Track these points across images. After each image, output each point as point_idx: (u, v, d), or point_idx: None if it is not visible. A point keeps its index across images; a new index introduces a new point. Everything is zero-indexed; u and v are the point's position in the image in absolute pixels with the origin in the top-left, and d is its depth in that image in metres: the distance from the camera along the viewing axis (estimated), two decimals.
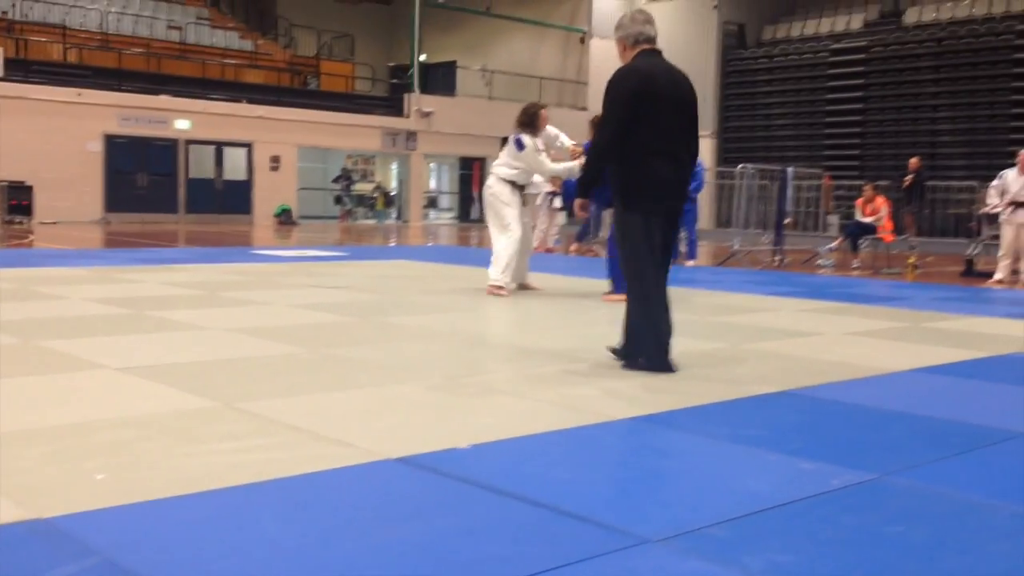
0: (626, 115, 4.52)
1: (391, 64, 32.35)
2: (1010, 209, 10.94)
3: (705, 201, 25.07)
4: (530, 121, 7.96)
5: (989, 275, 11.36)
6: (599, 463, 3.10)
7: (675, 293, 7.51)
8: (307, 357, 4.84)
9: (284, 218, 23.59)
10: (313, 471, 2.85)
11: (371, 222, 26.89)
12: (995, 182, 11.35)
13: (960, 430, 3.64)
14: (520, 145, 7.85)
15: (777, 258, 13.78)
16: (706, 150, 27.48)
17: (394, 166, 29.04)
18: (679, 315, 6.98)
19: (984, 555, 2.35)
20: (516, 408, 3.79)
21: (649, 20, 4.74)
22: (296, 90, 26.79)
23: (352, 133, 25.53)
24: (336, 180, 27.54)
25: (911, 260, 12.28)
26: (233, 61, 26.02)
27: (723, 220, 23.74)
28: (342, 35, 30.94)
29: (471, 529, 2.44)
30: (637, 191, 4.56)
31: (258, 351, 4.94)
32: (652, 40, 4.69)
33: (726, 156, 26.85)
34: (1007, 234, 11.08)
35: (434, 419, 3.59)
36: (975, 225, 14.25)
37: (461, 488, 2.76)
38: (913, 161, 18.44)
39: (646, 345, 4.58)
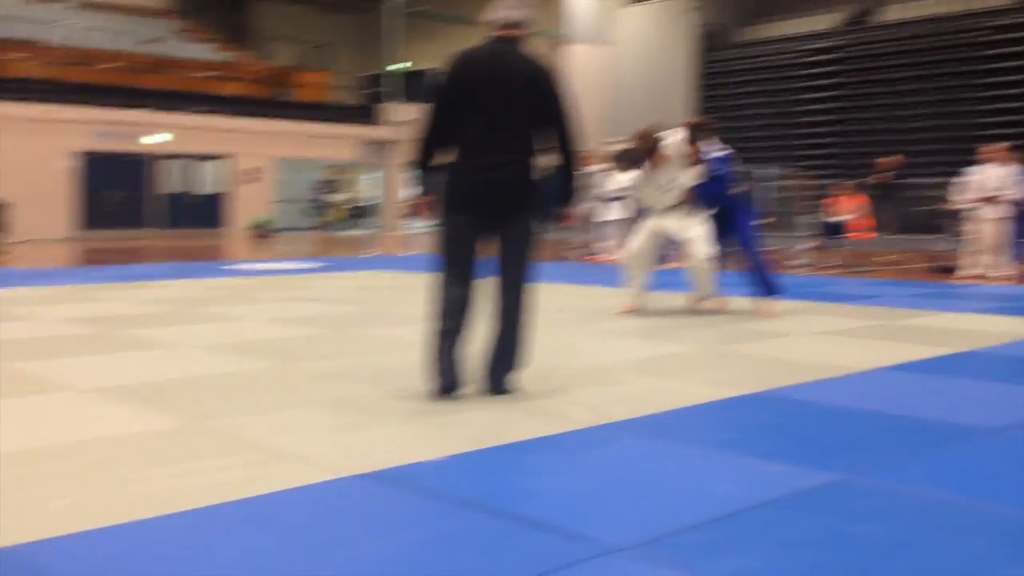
0: (441, 105, 4.09)
1: (367, 74, 32.30)
2: (980, 204, 11.03)
3: None
4: None
5: (960, 270, 11.45)
6: (569, 472, 3.11)
7: (651, 300, 7.47)
8: (279, 372, 4.82)
9: (261, 230, 23.50)
10: (279, 490, 2.83)
11: (350, 233, 26.82)
12: (964, 178, 11.45)
13: (926, 427, 3.67)
14: None
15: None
16: None
17: (371, 176, 28.99)
18: (652, 319, 6.99)
19: (946, 552, 2.37)
20: (486, 419, 3.78)
21: (517, 4, 4.18)
22: (273, 102, 26.72)
23: (329, 144, 25.50)
24: (317, 191, 27.45)
25: (883, 257, 12.36)
26: (210, 73, 25.92)
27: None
28: (319, 45, 30.87)
29: (437, 544, 2.44)
30: (448, 189, 4.12)
31: (229, 368, 4.92)
32: (514, 26, 4.14)
33: None
34: (976, 229, 11.17)
35: (404, 432, 3.59)
36: (944, 221, 14.37)
37: (428, 502, 2.76)
38: (888, 160, 18.54)
39: (432, 364, 4.07)
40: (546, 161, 4.16)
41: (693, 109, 28.26)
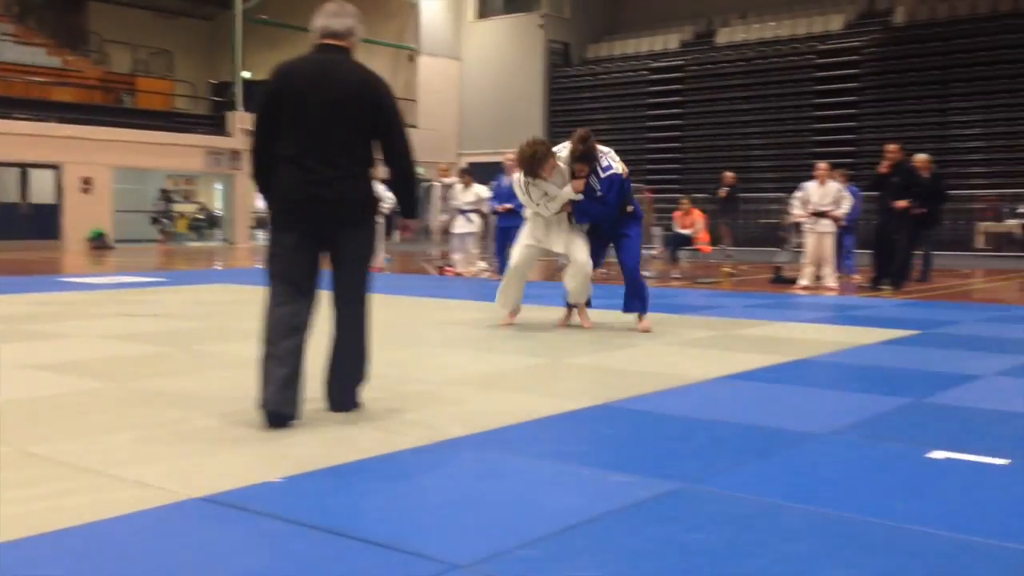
0: (263, 118, 3.96)
1: (213, 81, 31.40)
2: (812, 219, 11.62)
3: None
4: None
5: (796, 281, 12.02)
6: (409, 490, 3.08)
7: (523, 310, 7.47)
8: (113, 393, 4.60)
9: (98, 242, 22.46)
10: (111, 516, 2.70)
11: (194, 244, 25.98)
12: (798, 193, 12.04)
13: (761, 434, 3.82)
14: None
15: (601, 271, 14.11)
16: None
17: (218, 186, 28.18)
18: (506, 331, 7.03)
19: (776, 557, 2.46)
20: (326, 437, 3.70)
21: (339, 12, 4.01)
22: (110, 108, 25.61)
23: (172, 153, 24.59)
24: (161, 201, 26.49)
25: (726, 269, 12.85)
26: (40, 78, 24.63)
27: None
28: (160, 51, 29.83)
29: (276, 567, 2.37)
30: (273, 203, 3.98)
31: (59, 388, 4.66)
32: (336, 35, 3.98)
33: None
34: (810, 242, 11.77)
35: (242, 454, 3.47)
36: (783, 234, 15.08)
37: (270, 525, 2.68)
38: (728, 175, 19.33)
39: (261, 388, 3.84)
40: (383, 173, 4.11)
41: (542, 124, 28.75)
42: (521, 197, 7.29)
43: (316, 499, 2.93)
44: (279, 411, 3.75)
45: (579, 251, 7.17)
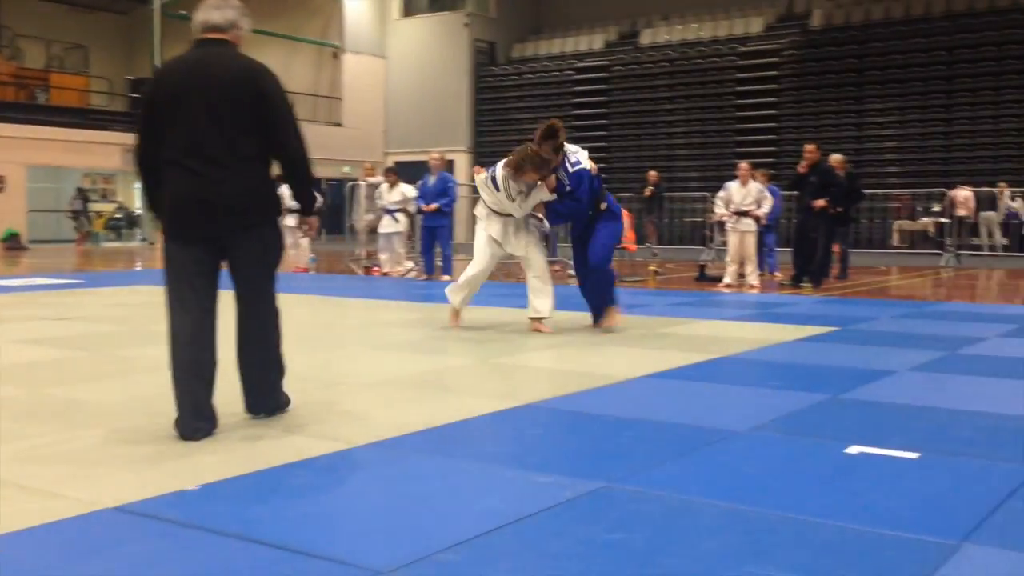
0: (143, 122, 3.79)
1: (131, 77, 30.66)
2: (734, 218, 11.82)
3: (462, 216, 25.53)
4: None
5: (719, 279, 12.22)
6: (332, 495, 3.04)
7: (430, 311, 7.55)
8: (25, 400, 4.46)
9: (11, 243, 21.79)
10: (19, 528, 2.61)
11: (112, 245, 25.35)
12: (721, 193, 12.23)
13: (682, 432, 3.86)
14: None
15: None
16: (461, 165, 27.99)
17: (138, 185, 27.53)
18: (432, 331, 7.01)
19: (696, 554, 2.49)
20: (250, 442, 3.65)
21: (220, 5, 3.80)
22: (23, 105, 24.84)
23: (89, 150, 23.97)
24: (78, 201, 25.78)
25: (652, 267, 13.00)
26: None
27: None
28: (75, 46, 29.04)
29: None
30: (161, 210, 3.78)
31: None
32: (217, 28, 3.78)
33: None
34: (732, 241, 11.97)
35: (160, 459, 3.40)
36: (708, 233, 15.33)
37: (186, 534, 2.62)
38: (652, 174, 19.58)
39: (175, 398, 3.72)
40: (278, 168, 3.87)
41: (468, 123, 28.75)
42: (492, 195, 7.01)
43: (234, 507, 2.88)
44: (193, 437, 3.61)
45: (537, 255, 7.09)
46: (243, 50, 3.87)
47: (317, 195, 4.09)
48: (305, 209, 4.09)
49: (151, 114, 3.74)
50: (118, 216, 27.40)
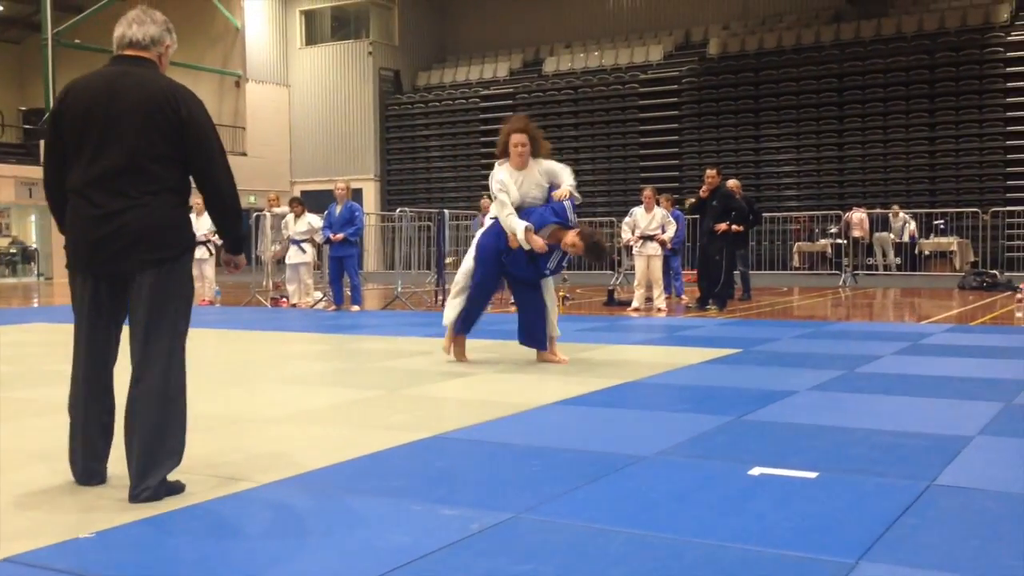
0: (49, 145, 3.49)
1: (23, 108, 29.72)
2: (640, 242, 12.01)
3: (372, 245, 25.39)
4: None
5: (628, 304, 12.38)
6: (235, 537, 2.97)
7: (343, 342, 7.43)
8: None
9: None
10: None
11: (7, 281, 24.44)
12: (627, 218, 12.42)
13: (590, 459, 3.89)
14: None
15: (440, 298, 14.15)
16: (370, 194, 27.85)
17: (33, 218, 26.64)
18: (342, 363, 6.90)
19: None
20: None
21: (140, 19, 3.48)
22: None
23: None
24: None
25: (562, 293, 13.09)
26: None
27: (390, 263, 24.11)
28: None
29: None
30: (66, 241, 3.48)
31: None
32: (135, 44, 3.45)
33: (390, 199, 27.37)
34: (639, 265, 12.15)
35: (55, 507, 3.27)
36: (616, 257, 15.53)
37: None
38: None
39: (71, 444, 3.49)
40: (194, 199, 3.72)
41: (376, 150, 28.66)
42: (503, 191, 6.76)
43: (131, 554, 2.78)
44: (87, 483, 3.45)
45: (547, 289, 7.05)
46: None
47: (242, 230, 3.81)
48: (233, 246, 3.69)
49: (56, 137, 3.44)
50: (12, 251, 26.45)
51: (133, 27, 3.46)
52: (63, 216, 3.48)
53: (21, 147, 26.20)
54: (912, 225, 20.12)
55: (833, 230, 20.70)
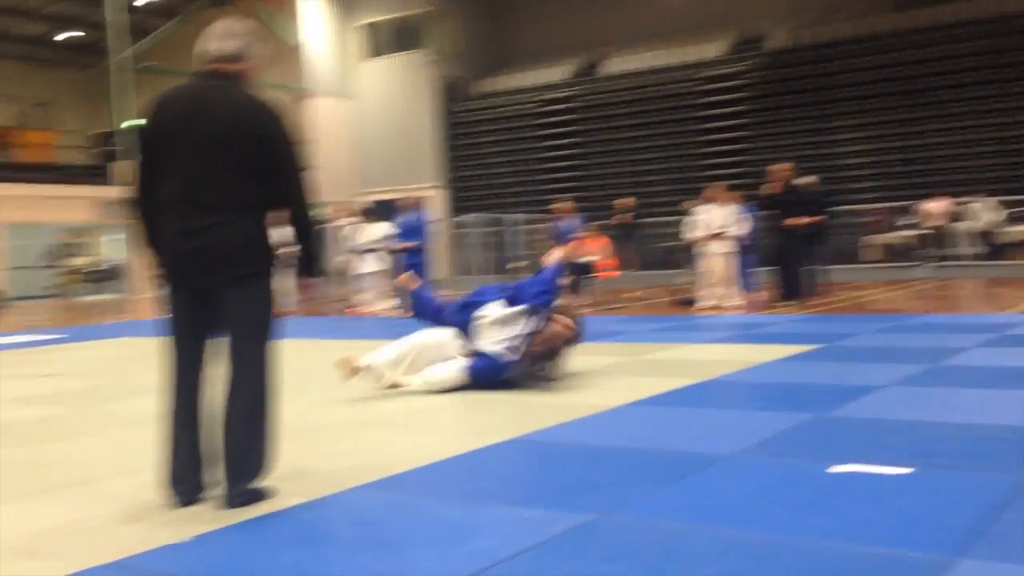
0: (140, 162, 3.50)
1: (99, 132, 30.60)
2: (709, 241, 11.90)
3: (441, 251, 25.57)
4: None
5: (698, 303, 12.27)
6: (326, 540, 3.02)
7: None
8: (10, 459, 4.40)
9: None
10: None
11: (92, 298, 25.17)
12: (693, 217, 12.31)
13: (670, 459, 3.86)
14: None
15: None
16: (437, 201, 28.04)
17: (108, 238, 27.39)
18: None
19: None
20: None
21: (227, 34, 3.47)
22: None
23: (63, 206, 23.88)
24: (54, 256, 25.70)
25: (632, 294, 13.04)
26: None
27: (461, 269, 24.24)
28: (42, 103, 29.00)
29: None
30: (157, 256, 3.52)
31: None
32: (222, 59, 3.45)
33: (458, 206, 27.51)
34: (710, 264, 12.03)
35: (151, 514, 3.35)
36: (684, 257, 15.40)
37: None
38: (625, 202, 19.70)
39: (163, 462, 3.49)
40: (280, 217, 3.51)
41: (440, 159, 28.85)
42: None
43: (226, 557, 2.85)
44: (184, 491, 3.42)
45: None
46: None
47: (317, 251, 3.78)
48: (305, 267, 3.69)
49: (144, 152, 3.47)
50: (97, 269, 27.24)
51: (215, 42, 3.45)
52: (151, 231, 3.51)
53: (96, 168, 26.97)
54: (991, 213, 19.57)
55: (908, 221, 20.24)
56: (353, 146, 30.50)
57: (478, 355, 5.88)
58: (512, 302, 6.13)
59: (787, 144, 23.05)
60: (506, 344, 5.85)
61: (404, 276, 6.51)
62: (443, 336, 6.11)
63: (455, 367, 5.87)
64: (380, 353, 6.00)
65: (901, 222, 20.84)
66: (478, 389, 5.76)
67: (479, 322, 6.00)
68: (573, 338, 6.20)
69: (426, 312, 6.51)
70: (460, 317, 6.16)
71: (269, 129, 3.39)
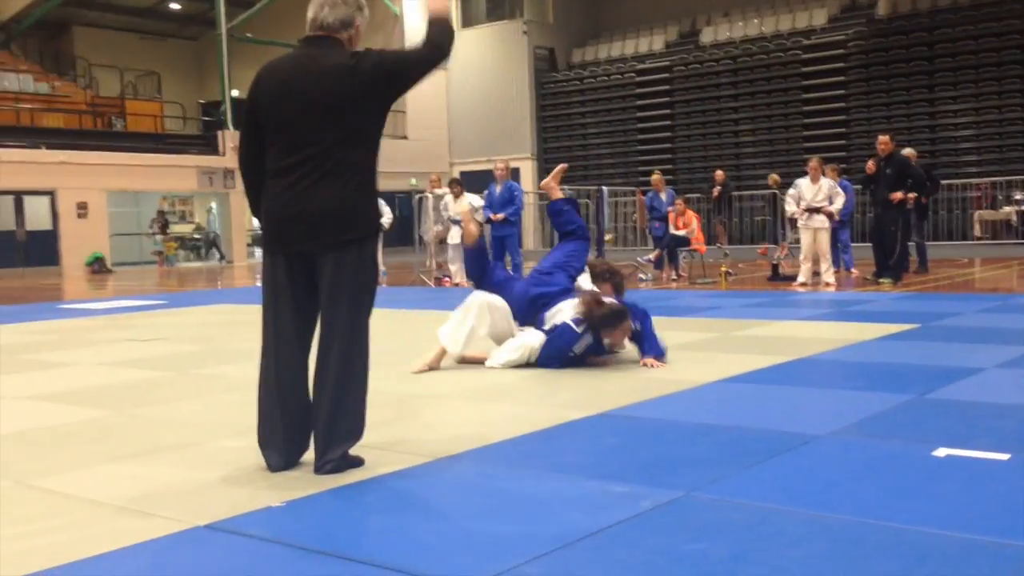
0: (245, 128, 3.57)
1: (202, 101, 31.42)
2: (806, 215, 11.63)
3: (530, 223, 25.59)
4: None
5: (793, 278, 12.03)
6: (414, 509, 3.08)
7: None
8: (114, 421, 4.60)
9: (97, 267, 22.48)
10: (114, 549, 2.70)
11: (191, 265, 26.00)
12: (791, 190, 12.04)
13: (762, 438, 3.81)
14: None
15: None
16: (527, 172, 28.04)
17: (213, 205, 28.20)
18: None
19: (779, 563, 2.46)
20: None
21: (330, 2, 3.49)
22: (100, 132, 25.63)
23: (165, 174, 24.64)
24: (157, 223, 26.63)
25: (724, 268, 12.85)
26: (28, 105, 24.67)
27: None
28: (147, 73, 29.89)
29: None
30: (262, 222, 3.57)
31: (59, 418, 4.66)
32: (326, 26, 3.48)
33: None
34: (805, 239, 11.77)
35: (246, 477, 3.47)
36: (779, 232, 15.09)
37: (273, 550, 2.67)
38: (719, 174, 19.38)
39: (259, 427, 3.56)
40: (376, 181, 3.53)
41: (532, 130, 28.78)
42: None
43: (318, 522, 2.93)
44: (279, 457, 3.49)
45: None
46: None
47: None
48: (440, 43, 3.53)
49: (252, 120, 3.53)
50: (197, 237, 28.12)
51: (325, 9, 3.48)
52: (258, 197, 3.56)
53: (201, 138, 27.73)
54: None
55: (1019, 196, 19.42)
56: (446, 116, 30.67)
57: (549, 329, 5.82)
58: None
59: (890, 115, 22.32)
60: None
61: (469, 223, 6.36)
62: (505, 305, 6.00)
63: (530, 336, 5.85)
64: (452, 335, 5.91)
65: (1009, 196, 20.03)
66: (548, 364, 5.70)
67: (551, 317, 5.90)
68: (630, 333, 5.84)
69: (484, 277, 6.32)
70: (527, 309, 6.02)
71: (366, 68, 3.38)
